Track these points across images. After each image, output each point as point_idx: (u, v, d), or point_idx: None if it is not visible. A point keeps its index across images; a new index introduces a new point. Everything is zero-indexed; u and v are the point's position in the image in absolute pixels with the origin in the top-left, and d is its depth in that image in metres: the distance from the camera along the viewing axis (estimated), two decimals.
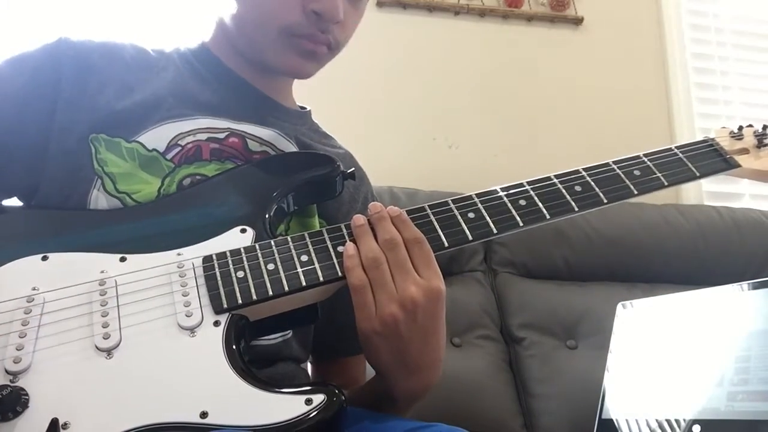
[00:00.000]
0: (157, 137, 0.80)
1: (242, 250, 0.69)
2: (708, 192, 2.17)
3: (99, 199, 0.76)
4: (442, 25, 2.12)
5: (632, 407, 1.11)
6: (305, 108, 0.99)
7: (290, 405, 0.58)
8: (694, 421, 1.00)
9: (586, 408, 1.22)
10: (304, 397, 0.58)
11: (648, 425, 1.06)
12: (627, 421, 1.10)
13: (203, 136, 0.83)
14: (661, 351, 1.13)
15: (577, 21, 2.22)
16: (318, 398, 0.58)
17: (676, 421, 1.03)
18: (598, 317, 1.56)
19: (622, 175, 0.78)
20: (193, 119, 0.83)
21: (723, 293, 1.10)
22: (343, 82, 1.95)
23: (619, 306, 1.28)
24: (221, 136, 0.84)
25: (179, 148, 0.81)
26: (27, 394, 0.57)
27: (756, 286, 1.05)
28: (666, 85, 2.28)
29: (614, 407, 1.15)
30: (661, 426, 1.04)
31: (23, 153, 0.78)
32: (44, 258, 0.67)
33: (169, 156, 0.80)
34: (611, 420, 1.13)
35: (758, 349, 0.99)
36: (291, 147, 0.88)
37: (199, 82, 0.88)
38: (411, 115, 2.04)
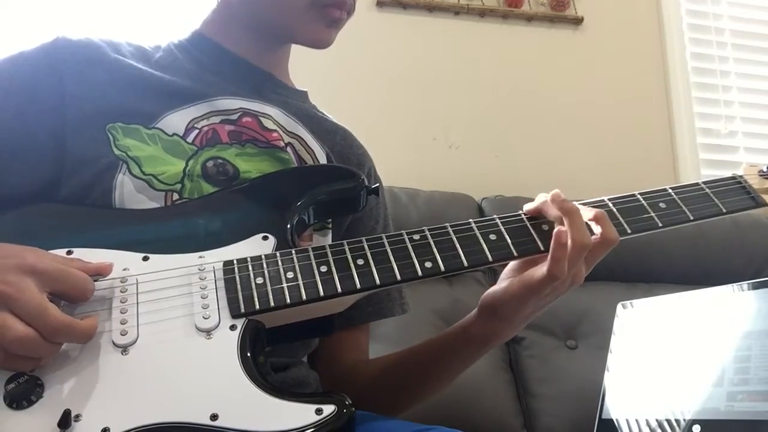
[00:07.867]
0: (173, 123, 0.81)
1: (263, 257, 0.69)
2: None
3: (125, 183, 0.76)
4: (442, 25, 2.12)
5: (632, 407, 1.11)
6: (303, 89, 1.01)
7: (300, 413, 0.58)
8: (694, 421, 1.00)
9: (586, 408, 1.22)
10: (315, 406, 0.59)
11: (648, 425, 1.06)
12: (627, 421, 1.10)
13: (216, 119, 0.84)
14: (661, 351, 1.13)
15: (577, 21, 2.22)
16: (328, 408, 0.58)
17: (676, 421, 1.03)
18: (598, 317, 1.56)
19: (647, 207, 0.78)
20: (204, 102, 0.84)
21: (723, 293, 1.10)
22: (342, 82, 1.95)
23: (619, 306, 1.28)
24: (234, 117, 0.85)
25: (197, 130, 0.82)
26: (42, 384, 0.58)
27: (756, 286, 1.05)
28: (666, 85, 2.29)
29: (614, 407, 1.14)
30: (661, 426, 1.04)
31: (34, 150, 0.77)
32: (69, 253, 0.67)
33: (190, 139, 0.81)
34: (611, 420, 1.13)
35: (758, 349, 0.99)
36: (299, 126, 0.90)
37: (201, 66, 0.90)
38: (411, 115, 2.04)
